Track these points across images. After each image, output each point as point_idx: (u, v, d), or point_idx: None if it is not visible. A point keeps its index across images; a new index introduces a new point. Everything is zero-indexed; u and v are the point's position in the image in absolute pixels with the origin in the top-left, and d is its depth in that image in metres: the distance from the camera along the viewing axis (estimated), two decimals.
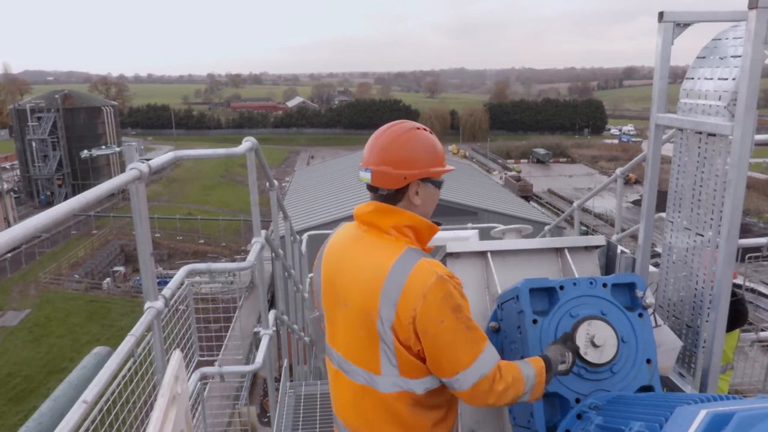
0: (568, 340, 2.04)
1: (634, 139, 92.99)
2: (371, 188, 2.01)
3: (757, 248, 4.65)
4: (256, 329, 3.91)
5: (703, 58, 2.55)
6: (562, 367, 1.97)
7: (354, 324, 1.95)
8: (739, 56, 2.26)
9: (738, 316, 3.26)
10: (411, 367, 1.90)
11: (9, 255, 31.43)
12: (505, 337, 2.29)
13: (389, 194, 1.98)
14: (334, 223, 20.91)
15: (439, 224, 2.08)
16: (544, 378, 1.91)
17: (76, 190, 45.43)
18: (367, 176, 1.98)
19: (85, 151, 49.17)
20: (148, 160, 2.38)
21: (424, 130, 2.03)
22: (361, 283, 1.92)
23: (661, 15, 2.53)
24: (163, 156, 2.56)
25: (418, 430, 1.97)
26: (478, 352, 1.84)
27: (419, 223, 1.98)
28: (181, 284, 3.26)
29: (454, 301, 1.82)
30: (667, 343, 2.46)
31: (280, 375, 4.97)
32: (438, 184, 2.05)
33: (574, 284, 2.16)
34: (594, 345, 2.03)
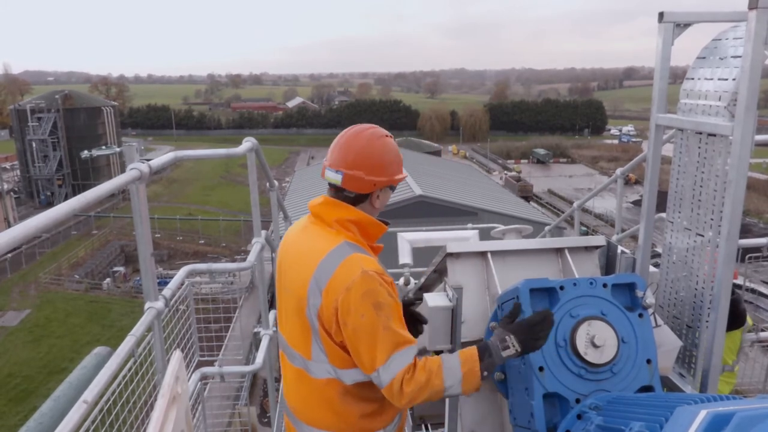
0: (510, 321, 1.99)
1: (634, 140, 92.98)
2: (336, 188, 2.06)
3: (757, 248, 4.65)
4: (256, 329, 3.92)
5: (704, 58, 2.55)
6: (507, 353, 1.91)
7: (291, 309, 2.05)
8: (739, 56, 2.26)
9: (735, 316, 3.26)
10: (337, 356, 1.97)
11: (9, 255, 31.42)
12: None
13: (355, 197, 2.05)
14: None
15: (387, 223, 2.14)
16: (476, 366, 1.89)
17: (76, 191, 45.41)
18: (337, 178, 2.02)
19: (85, 152, 49.15)
20: (148, 160, 2.38)
21: (391, 137, 2.13)
22: (297, 271, 2.02)
23: (661, 15, 2.53)
24: (163, 156, 2.56)
25: (347, 418, 2.03)
26: (392, 352, 1.86)
27: (365, 220, 2.05)
28: (182, 284, 3.26)
29: (376, 298, 1.87)
30: (667, 343, 2.46)
31: (280, 375, 4.97)
32: (394, 189, 2.15)
33: (575, 284, 2.16)
34: (594, 345, 2.03)
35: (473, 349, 1.93)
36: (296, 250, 2.09)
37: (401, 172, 2.13)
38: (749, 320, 3.92)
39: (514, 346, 1.91)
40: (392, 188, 2.14)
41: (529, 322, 1.95)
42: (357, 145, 2.04)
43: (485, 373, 1.91)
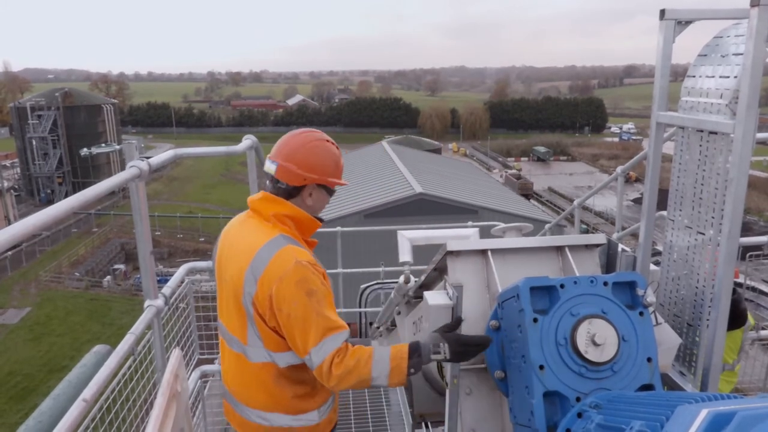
0: (448, 330, 2.10)
1: (634, 138, 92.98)
2: (273, 181, 2.23)
3: (757, 247, 4.65)
4: None
5: (705, 56, 2.55)
6: (436, 357, 2.05)
7: (229, 297, 2.19)
8: (741, 54, 2.25)
9: (735, 316, 3.26)
10: (272, 340, 2.12)
11: (9, 253, 31.43)
12: (506, 336, 2.28)
13: (287, 189, 2.21)
14: (334, 221, 20.91)
15: (322, 220, 2.31)
16: (404, 364, 2.02)
17: (76, 188, 45.39)
18: (272, 168, 2.20)
19: (85, 149, 49.16)
20: (148, 158, 2.38)
21: (333, 144, 2.29)
22: (235, 261, 2.16)
23: (662, 13, 2.52)
24: (162, 154, 2.56)
25: (281, 399, 2.19)
26: (323, 336, 2.00)
27: (300, 215, 2.20)
28: (182, 282, 3.26)
29: (309, 285, 2.02)
30: (667, 341, 2.46)
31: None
32: (330, 192, 2.30)
33: (575, 283, 2.15)
34: (595, 344, 2.03)
35: (404, 347, 2.06)
36: (235, 242, 2.23)
37: (337, 177, 2.28)
38: (751, 319, 3.91)
39: (444, 353, 2.05)
40: (328, 191, 2.29)
41: (467, 341, 2.10)
42: (294, 142, 2.23)
43: (412, 371, 2.04)
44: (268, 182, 2.26)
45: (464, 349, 2.09)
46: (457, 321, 2.14)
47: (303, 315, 2.01)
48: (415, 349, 2.05)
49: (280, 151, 2.22)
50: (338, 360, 2.00)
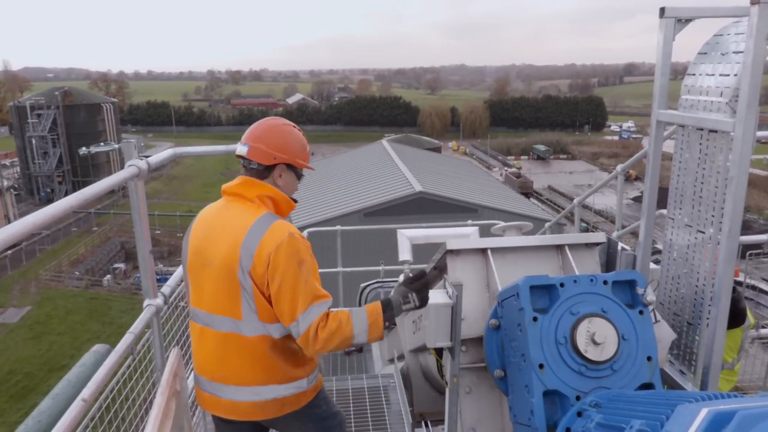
0: (413, 281, 2.31)
1: (634, 136, 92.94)
2: (245, 163, 2.40)
3: (757, 245, 4.65)
4: None
5: (705, 54, 2.54)
6: (407, 307, 2.27)
7: (219, 279, 2.26)
8: (741, 52, 2.24)
9: (735, 315, 3.25)
10: (267, 312, 2.23)
11: (9, 252, 31.44)
12: (506, 334, 2.28)
13: (259, 170, 2.37)
14: (334, 220, 20.89)
15: (295, 201, 2.48)
16: (380, 318, 2.22)
17: (76, 187, 45.35)
18: (244, 150, 2.38)
19: (85, 148, 49.13)
20: (147, 157, 2.37)
21: (299, 130, 2.49)
22: (225, 241, 2.25)
23: (662, 11, 2.52)
24: (162, 153, 2.55)
25: (276, 370, 2.30)
26: (311, 303, 2.15)
27: (278, 196, 2.37)
28: (181, 281, 3.26)
29: (299, 256, 2.19)
30: (663, 337, 2.46)
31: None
32: (299, 175, 2.47)
33: (575, 281, 2.15)
34: (594, 342, 2.02)
35: (377, 304, 2.24)
36: (220, 226, 2.33)
37: (305, 159, 2.45)
38: (751, 318, 3.90)
39: (414, 301, 2.27)
40: (297, 173, 2.45)
41: (426, 282, 2.32)
42: (264, 125, 2.43)
43: (387, 324, 2.25)
44: (242, 168, 2.42)
45: (427, 293, 2.29)
46: (420, 273, 2.30)
47: (293, 283, 2.15)
48: (387, 305, 2.25)
49: (251, 134, 2.39)
50: (323, 324, 2.15)
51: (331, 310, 2.22)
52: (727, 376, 3.82)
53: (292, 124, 2.49)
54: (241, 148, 2.39)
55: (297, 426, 2.45)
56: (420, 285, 2.30)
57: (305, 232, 6.84)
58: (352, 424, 4.29)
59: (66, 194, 35.56)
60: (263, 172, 2.38)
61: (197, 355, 2.37)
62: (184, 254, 2.44)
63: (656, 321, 2.35)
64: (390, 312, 2.25)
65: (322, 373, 2.57)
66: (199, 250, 2.35)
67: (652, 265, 2.90)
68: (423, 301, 2.28)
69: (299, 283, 2.16)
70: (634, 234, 3.99)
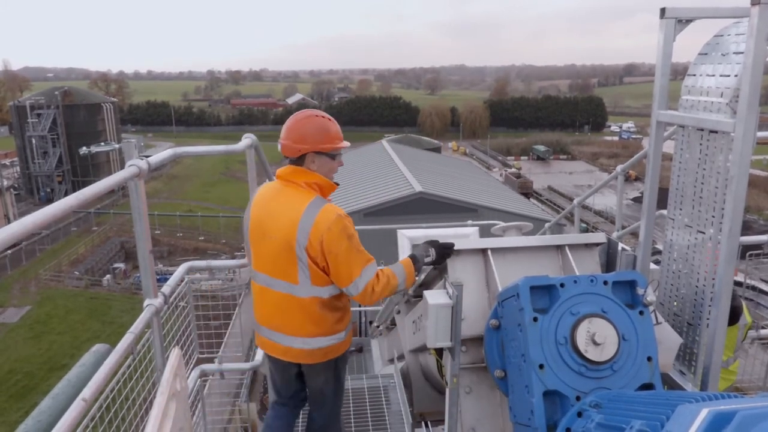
0: (431, 245, 2.80)
1: (634, 136, 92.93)
2: (286, 158, 2.82)
3: (757, 246, 4.64)
4: None
5: (705, 54, 2.54)
6: (428, 259, 2.77)
7: (278, 250, 2.72)
8: (741, 53, 2.24)
9: (730, 313, 3.25)
10: (318, 278, 2.70)
11: (9, 252, 31.43)
12: (506, 334, 2.28)
13: (293, 161, 2.78)
14: None
15: (337, 184, 2.87)
16: (412, 269, 2.76)
17: (76, 187, 45.34)
18: (279, 148, 2.78)
19: (85, 148, 49.08)
20: (147, 156, 2.37)
21: (323, 117, 2.80)
22: (283, 220, 2.69)
23: (663, 11, 2.52)
24: (162, 153, 2.55)
25: (323, 325, 2.81)
26: (364, 266, 2.66)
27: (322, 182, 2.79)
28: (181, 281, 3.26)
29: (348, 232, 2.66)
30: (667, 340, 2.45)
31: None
32: (333, 156, 2.80)
33: (575, 282, 2.15)
34: (595, 343, 2.02)
35: (408, 259, 2.78)
36: (278, 206, 2.75)
37: (327, 142, 2.76)
38: (748, 317, 3.89)
39: (431, 255, 2.77)
40: (330, 156, 2.79)
41: (445, 245, 2.79)
42: (289, 123, 2.78)
43: (417, 273, 2.78)
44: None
45: (444, 251, 2.77)
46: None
47: (347, 254, 2.63)
48: (415, 259, 2.78)
49: (282, 133, 2.77)
50: (376, 281, 2.68)
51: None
52: (723, 374, 3.81)
53: (315, 113, 2.82)
54: (279, 147, 2.80)
55: (328, 372, 2.96)
56: (439, 244, 2.78)
57: None
58: (352, 424, 4.29)
59: (66, 194, 35.54)
60: (298, 161, 2.77)
61: (258, 309, 2.92)
62: (246, 225, 2.88)
63: (658, 322, 2.35)
64: (417, 263, 2.77)
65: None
66: (260, 223, 2.78)
67: (653, 266, 2.90)
68: (439, 258, 2.76)
69: (351, 253, 2.64)
70: (634, 234, 3.98)
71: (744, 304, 3.87)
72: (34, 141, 48.64)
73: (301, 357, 2.87)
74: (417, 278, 2.81)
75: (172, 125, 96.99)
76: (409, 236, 3.68)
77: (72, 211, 1.60)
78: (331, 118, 2.86)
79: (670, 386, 2.64)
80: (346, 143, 2.85)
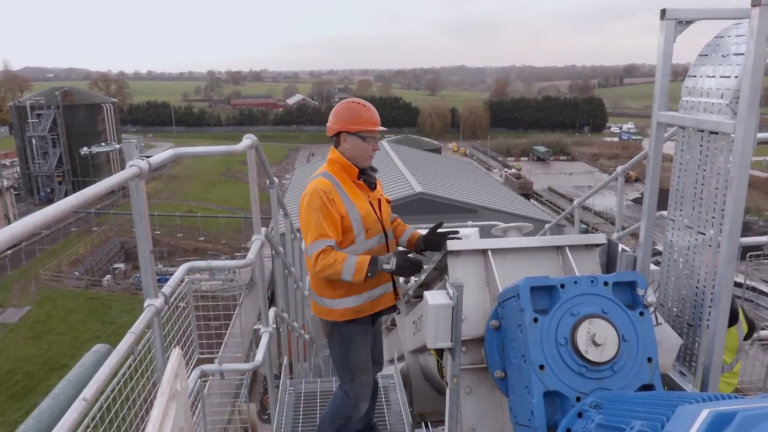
0: (404, 253, 3.05)
1: (634, 137, 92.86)
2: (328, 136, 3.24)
3: (757, 247, 4.64)
4: (256, 327, 3.91)
5: (706, 55, 2.54)
6: (386, 267, 2.96)
7: None
8: (742, 54, 2.25)
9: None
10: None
11: (9, 252, 31.43)
12: (506, 335, 2.28)
13: (333, 140, 3.23)
14: None
15: (363, 171, 3.22)
16: (364, 268, 2.94)
17: (76, 187, 45.35)
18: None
19: (85, 148, 49.06)
20: (147, 157, 2.37)
21: (358, 102, 3.21)
22: None
23: (663, 12, 2.52)
24: (162, 153, 2.55)
25: (318, 285, 3.26)
26: (315, 239, 2.97)
27: (339, 159, 3.20)
28: (181, 281, 3.26)
29: (313, 204, 3.00)
30: (668, 341, 2.45)
31: (280, 372, 4.98)
32: (362, 137, 3.15)
33: (575, 282, 2.15)
34: (595, 343, 2.02)
35: (367, 258, 2.97)
36: None
37: (359, 124, 3.14)
38: (744, 327, 3.86)
39: (391, 265, 2.96)
40: (361, 137, 3.14)
41: (410, 259, 3.01)
42: (335, 106, 3.25)
43: (369, 274, 2.95)
44: None
45: (406, 264, 2.98)
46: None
47: (305, 222, 3.01)
48: (373, 261, 2.96)
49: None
50: (323, 256, 2.95)
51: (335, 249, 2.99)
52: (727, 379, 3.80)
53: (354, 99, 3.23)
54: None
55: (330, 334, 3.33)
56: (401, 254, 3.02)
57: None
58: None
59: (66, 194, 35.50)
60: (335, 141, 3.21)
61: None
62: None
63: (658, 323, 2.35)
64: (373, 266, 2.95)
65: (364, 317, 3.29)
66: None
67: (653, 267, 2.90)
68: (398, 269, 2.97)
69: (309, 223, 2.99)
70: (635, 235, 3.98)
71: (741, 310, 3.84)
72: (34, 141, 48.62)
73: (312, 307, 3.41)
74: (369, 277, 2.98)
75: (173, 125, 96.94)
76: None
77: (72, 212, 1.61)
78: (368, 104, 3.21)
79: (671, 387, 2.64)
80: (379, 128, 3.19)
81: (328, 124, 3.20)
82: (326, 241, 2.97)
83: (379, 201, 3.32)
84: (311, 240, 2.99)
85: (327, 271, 2.96)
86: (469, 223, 6.50)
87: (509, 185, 49.72)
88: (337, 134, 3.16)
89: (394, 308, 3.41)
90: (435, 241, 3.15)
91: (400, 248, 3.35)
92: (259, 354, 3.51)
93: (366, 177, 3.26)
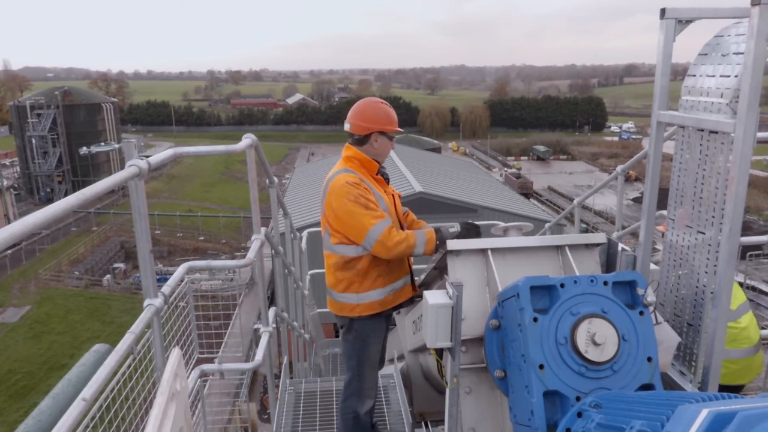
0: (457, 223, 3.19)
1: (634, 137, 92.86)
2: (349, 135, 3.27)
3: (757, 246, 4.64)
4: (256, 326, 3.91)
5: (705, 55, 2.54)
6: (452, 230, 3.08)
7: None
8: (742, 53, 2.24)
9: None
10: (334, 237, 3.22)
11: (9, 252, 31.42)
12: (506, 334, 2.28)
13: (359, 139, 3.25)
14: None
15: (379, 163, 3.31)
16: (434, 236, 3.04)
17: (76, 187, 45.33)
18: (347, 126, 3.26)
19: (85, 148, 49.06)
20: (147, 156, 2.37)
21: (387, 104, 3.31)
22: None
23: (663, 12, 2.52)
24: (162, 153, 2.54)
25: (340, 282, 3.30)
26: (375, 221, 3.00)
27: (360, 156, 3.26)
28: (181, 281, 3.25)
29: (351, 195, 3.05)
30: (666, 339, 2.45)
31: (280, 372, 4.97)
32: (390, 138, 3.29)
33: (575, 282, 2.15)
34: (595, 343, 2.02)
35: (431, 229, 3.10)
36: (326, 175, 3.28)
37: (391, 125, 3.25)
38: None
39: (456, 228, 3.10)
40: (388, 137, 3.26)
41: (473, 224, 3.17)
42: (359, 106, 3.29)
43: (437, 242, 3.03)
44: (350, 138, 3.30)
45: (470, 226, 3.14)
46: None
47: (352, 214, 3.03)
48: (437, 230, 3.09)
49: (350, 114, 3.25)
50: (395, 232, 3.01)
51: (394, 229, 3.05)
52: (734, 325, 3.45)
53: (380, 100, 3.29)
54: (345, 126, 3.25)
55: (346, 334, 3.39)
56: (468, 222, 3.17)
57: (305, 233, 6.86)
58: None
59: (66, 194, 35.46)
60: (362, 139, 3.23)
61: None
62: None
63: (658, 323, 2.35)
64: (439, 234, 3.05)
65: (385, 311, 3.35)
66: None
67: (653, 266, 2.90)
68: (464, 231, 3.09)
69: (357, 213, 3.02)
70: (634, 235, 3.98)
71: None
72: (34, 141, 48.60)
73: (333, 309, 3.40)
74: (441, 250, 2.94)
75: (172, 125, 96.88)
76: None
77: (72, 211, 1.61)
78: (390, 105, 3.35)
79: (671, 387, 2.64)
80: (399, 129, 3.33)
81: (357, 122, 3.20)
82: (386, 220, 3.01)
83: (393, 196, 3.43)
84: (371, 222, 2.98)
85: (401, 246, 2.98)
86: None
87: (509, 185, 49.69)
88: (367, 134, 3.20)
89: (411, 301, 3.46)
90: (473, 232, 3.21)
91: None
92: (259, 354, 3.50)
93: (382, 171, 3.36)
